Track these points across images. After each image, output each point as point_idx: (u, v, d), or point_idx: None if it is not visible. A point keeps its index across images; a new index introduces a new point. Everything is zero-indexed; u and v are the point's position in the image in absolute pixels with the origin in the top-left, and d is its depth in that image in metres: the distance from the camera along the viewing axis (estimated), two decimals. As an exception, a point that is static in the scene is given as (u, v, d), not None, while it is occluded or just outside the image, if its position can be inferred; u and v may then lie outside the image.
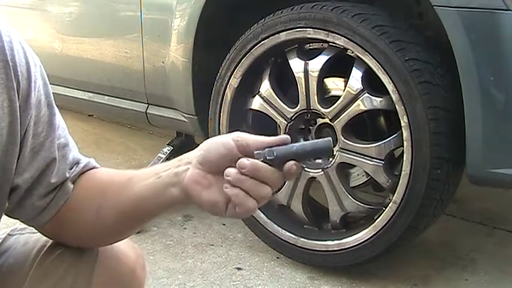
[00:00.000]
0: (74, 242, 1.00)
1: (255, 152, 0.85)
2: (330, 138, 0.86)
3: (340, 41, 1.92)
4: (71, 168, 1.00)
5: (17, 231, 1.07)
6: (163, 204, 0.93)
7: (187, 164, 0.89)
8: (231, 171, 0.85)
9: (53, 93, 1.03)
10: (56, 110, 0.99)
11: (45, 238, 1.02)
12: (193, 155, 0.90)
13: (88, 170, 1.02)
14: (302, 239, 2.10)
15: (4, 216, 1.00)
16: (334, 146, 0.87)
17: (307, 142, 0.87)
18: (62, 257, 0.99)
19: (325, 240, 2.06)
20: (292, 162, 0.85)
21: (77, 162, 1.01)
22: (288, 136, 0.87)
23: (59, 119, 1.00)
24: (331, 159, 2.02)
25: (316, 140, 0.88)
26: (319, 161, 2.08)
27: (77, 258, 0.99)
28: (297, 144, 0.86)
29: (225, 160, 0.87)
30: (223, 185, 0.85)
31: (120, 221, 0.97)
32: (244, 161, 0.84)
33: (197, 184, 0.87)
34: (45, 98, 0.97)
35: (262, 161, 0.85)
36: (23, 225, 1.05)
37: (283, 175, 0.86)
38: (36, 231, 1.03)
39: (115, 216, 0.96)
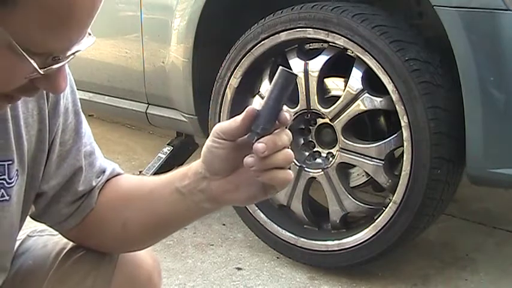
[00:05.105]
0: (96, 248, 1.01)
1: (247, 137, 0.83)
2: (280, 67, 0.82)
3: (340, 41, 1.92)
4: (98, 177, 1.00)
5: (36, 232, 1.08)
6: (195, 218, 0.97)
7: (204, 178, 0.89)
8: (251, 161, 0.83)
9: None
10: (83, 117, 0.99)
11: (65, 240, 1.03)
12: (202, 169, 0.89)
13: (113, 177, 1.02)
14: (302, 239, 2.10)
15: None
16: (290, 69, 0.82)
17: (271, 89, 0.82)
18: (82, 260, 1.00)
19: (325, 240, 2.06)
20: (283, 115, 0.83)
21: (103, 171, 1.01)
22: (251, 107, 0.84)
23: (85, 126, 0.99)
24: (331, 159, 2.03)
25: (274, 81, 0.83)
26: (320, 160, 2.08)
27: (96, 262, 1.00)
28: (266, 100, 0.83)
29: (229, 161, 0.87)
30: (255, 177, 0.84)
31: (147, 235, 0.99)
32: (260, 145, 0.81)
33: (227, 192, 0.89)
34: (73, 106, 0.97)
35: (257, 138, 0.82)
36: (42, 227, 1.05)
37: (284, 130, 0.84)
38: (55, 233, 1.03)
39: (142, 230, 0.97)
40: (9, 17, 0.64)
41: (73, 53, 0.72)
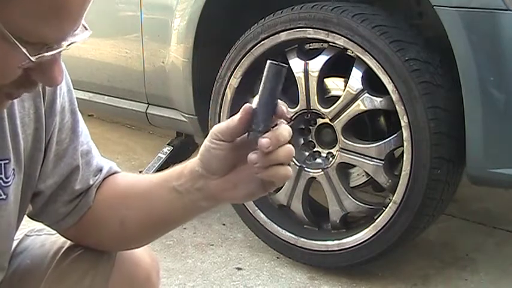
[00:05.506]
0: (94, 246, 1.01)
1: (248, 135, 0.83)
2: (268, 61, 0.82)
3: (340, 41, 1.91)
4: (95, 176, 1.00)
5: (34, 232, 1.08)
6: (192, 216, 0.97)
7: (201, 176, 0.89)
8: (255, 157, 0.82)
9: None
10: (79, 116, 0.99)
11: (62, 239, 1.03)
12: (198, 167, 0.89)
13: (110, 175, 1.02)
14: (302, 239, 2.10)
15: None
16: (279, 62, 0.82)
17: (263, 84, 0.82)
18: (80, 259, 1.00)
19: (325, 240, 2.06)
20: (279, 108, 0.83)
21: (100, 169, 1.01)
22: (248, 105, 0.84)
23: (82, 125, 0.99)
24: (331, 159, 2.03)
25: (264, 75, 0.82)
26: (320, 160, 2.08)
27: (94, 261, 0.99)
28: (260, 96, 0.82)
29: (227, 161, 0.87)
30: (255, 174, 0.84)
31: (145, 233, 0.99)
32: (264, 140, 0.81)
33: (225, 191, 0.89)
34: (69, 105, 0.97)
35: (259, 136, 0.82)
36: (40, 226, 1.05)
37: (284, 125, 0.84)
38: (53, 232, 1.03)
39: (140, 228, 0.98)
40: (1, 6, 0.65)
41: (68, 45, 0.72)
